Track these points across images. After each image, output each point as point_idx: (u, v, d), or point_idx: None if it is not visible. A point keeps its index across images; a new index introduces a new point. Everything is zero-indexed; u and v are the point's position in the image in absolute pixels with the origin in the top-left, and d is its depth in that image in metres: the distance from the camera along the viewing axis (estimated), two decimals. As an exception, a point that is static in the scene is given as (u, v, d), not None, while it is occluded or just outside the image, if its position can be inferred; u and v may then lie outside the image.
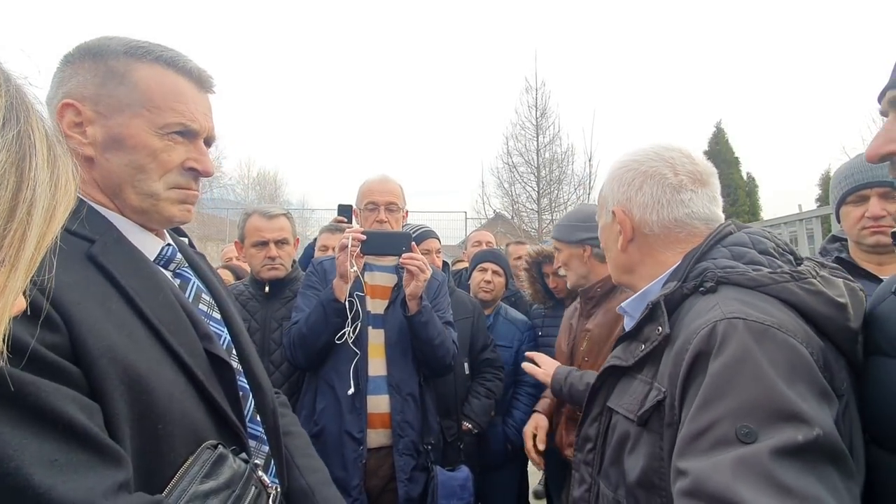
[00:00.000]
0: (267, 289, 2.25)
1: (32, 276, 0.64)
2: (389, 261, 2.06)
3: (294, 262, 2.40)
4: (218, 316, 1.01)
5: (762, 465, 0.66)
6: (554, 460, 2.08)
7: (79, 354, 0.70)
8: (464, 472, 2.02)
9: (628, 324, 1.09)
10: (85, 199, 0.88)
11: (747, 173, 13.95)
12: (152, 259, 0.92)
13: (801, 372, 0.72)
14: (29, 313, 0.64)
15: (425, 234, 2.80)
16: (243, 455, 0.88)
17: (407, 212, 2.22)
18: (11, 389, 0.61)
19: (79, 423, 0.65)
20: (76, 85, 0.86)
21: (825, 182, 13.04)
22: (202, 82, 0.95)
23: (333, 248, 2.48)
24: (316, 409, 1.90)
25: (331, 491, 1.12)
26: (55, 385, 0.65)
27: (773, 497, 0.63)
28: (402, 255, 1.86)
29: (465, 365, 2.46)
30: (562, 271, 2.10)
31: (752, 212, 13.50)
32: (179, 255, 0.98)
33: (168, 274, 0.95)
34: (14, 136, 0.41)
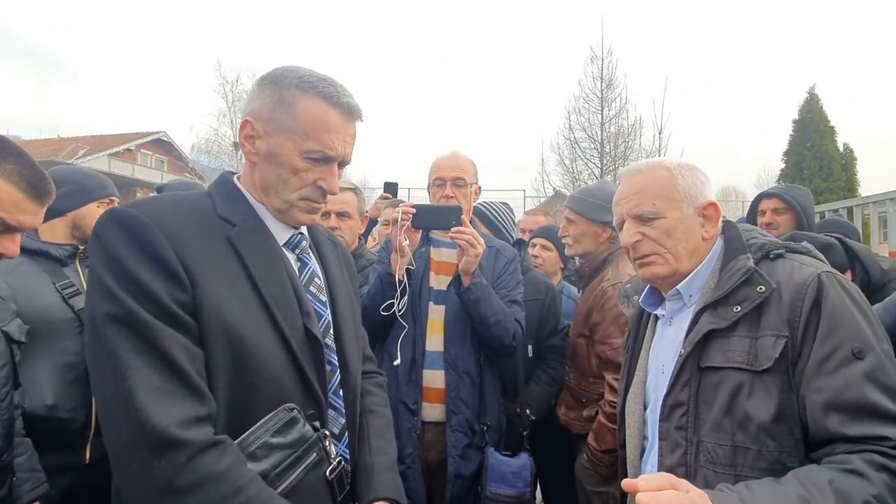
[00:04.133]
0: None
1: (176, 249, 0.91)
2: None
3: (359, 238, 2.45)
4: (324, 298, 1.15)
5: (875, 374, 0.99)
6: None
7: (197, 312, 0.91)
8: (522, 459, 1.95)
9: (675, 306, 1.27)
10: (243, 192, 1.10)
11: (844, 144, 12.54)
12: (282, 243, 1.11)
13: (867, 302, 1.10)
14: (167, 276, 0.89)
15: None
16: (316, 423, 1.02)
17: (479, 188, 2.18)
18: (139, 327, 0.86)
19: (179, 363, 0.87)
20: (258, 105, 1.07)
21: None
22: (350, 114, 1.10)
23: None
24: None
25: (389, 476, 1.16)
26: (171, 331, 0.88)
27: (888, 395, 0.98)
28: (452, 229, 1.83)
29: (529, 348, 2.37)
30: (568, 240, 2.27)
31: (849, 187, 12.15)
32: (305, 243, 1.16)
33: (292, 257, 1.13)
34: None
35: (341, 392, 1.13)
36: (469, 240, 1.82)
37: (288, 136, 1.04)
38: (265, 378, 0.96)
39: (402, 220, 1.81)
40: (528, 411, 2.28)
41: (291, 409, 0.97)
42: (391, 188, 3.22)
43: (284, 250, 1.11)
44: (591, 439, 1.93)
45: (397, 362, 1.88)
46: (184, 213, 0.99)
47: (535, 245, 2.88)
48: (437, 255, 2.06)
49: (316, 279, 1.15)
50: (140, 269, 0.88)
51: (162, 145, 29.35)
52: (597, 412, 1.97)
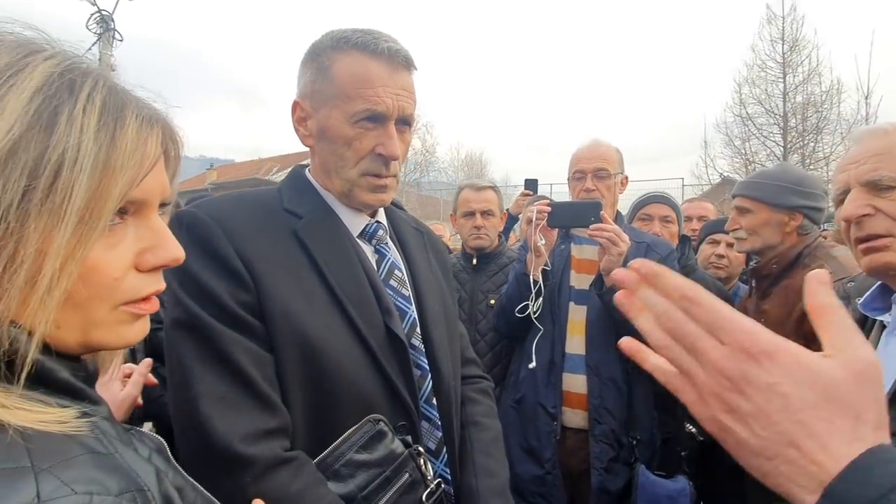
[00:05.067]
0: (475, 261, 2.38)
1: (237, 247, 0.82)
2: None
3: (500, 235, 2.47)
4: (407, 293, 1.02)
5: None
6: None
7: (263, 313, 0.84)
8: (679, 483, 1.73)
9: None
10: (311, 180, 1.02)
11: None
12: (356, 234, 1.00)
13: None
14: (229, 275, 0.83)
15: (648, 200, 2.51)
16: (408, 437, 0.90)
17: (626, 178, 2.02)
18: (202, 332, 0.80)
19: (245, 370, 0.80)
20: (303, 84, 0.98)
21: None
22: (394, 60, 0.93)
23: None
24: (519, 377, 1.93)
25: (498, 503, 1.00)
26: (235, 335, 0.81)
27: None
28: (591, 227, 1.69)
29: None
30: (741, 233, 1.83)
31: None
32: (383, 232, 1.04)
33: (369, 249, 1.01)
34: (39, 103, 0.43)
35: (434, 400, 0.99)
36: (610, 237, 1.66)
37: (333, 105, 0.92)
38: (345, 385, 0.86)
39: (536, 219, 1.74)
40: (693, 430, 2.02)
41: (377, 421, 0.86)
42: (532, 185, 3.23)
43: (359, 241, 1.00)
44: None
45: (532, 365, 1.82)
46: (246, 210, 0.92)
47: (717, 242, 2.45)
48: (578, 252, 1.95)
49: (396, 272, 1.02)
50: (202, 270, 0.82)
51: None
52: None
